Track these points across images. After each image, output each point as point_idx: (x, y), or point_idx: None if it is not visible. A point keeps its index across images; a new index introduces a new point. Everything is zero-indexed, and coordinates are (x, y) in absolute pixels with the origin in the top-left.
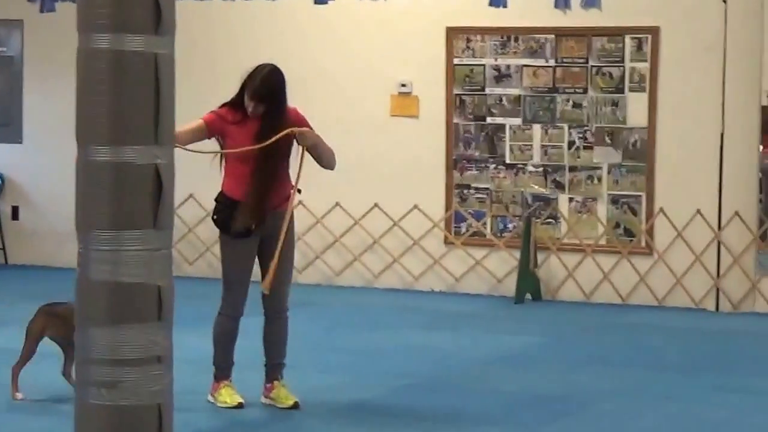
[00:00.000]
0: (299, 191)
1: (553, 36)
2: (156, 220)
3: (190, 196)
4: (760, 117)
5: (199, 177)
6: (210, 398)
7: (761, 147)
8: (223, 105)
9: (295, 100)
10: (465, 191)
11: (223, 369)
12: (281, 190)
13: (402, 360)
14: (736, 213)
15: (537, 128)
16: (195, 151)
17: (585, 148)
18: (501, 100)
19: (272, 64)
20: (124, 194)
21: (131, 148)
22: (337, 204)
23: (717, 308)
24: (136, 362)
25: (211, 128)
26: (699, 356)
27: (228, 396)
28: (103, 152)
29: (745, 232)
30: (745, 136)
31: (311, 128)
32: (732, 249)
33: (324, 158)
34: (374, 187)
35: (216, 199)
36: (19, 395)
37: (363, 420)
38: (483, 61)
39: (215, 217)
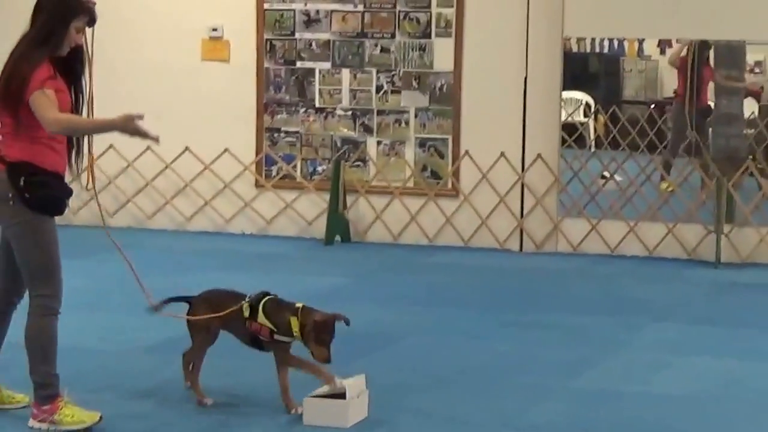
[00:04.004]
0: None
1: None
2: None
3: None
4: (562, 62)
5: None
6: (42, 425)
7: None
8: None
9: (104, 42)
10: (275, 135)
11: (58, 382)
12: None
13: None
14: (539, 155)
15: (346, 72)
16: None
17: (393, 92)
18: (310, 45)
19: None
20: None
21: None
22: (148, 147)
23: (521, 248)
24: None
25: None
26: (501, 294)
27: (79, 413)
28: None
29: (548, 174)
30: (547, 81)
31: None
32: (535, 191)
33: None
34: (185, 130)
35: (26, 173)
36: (208, 400)
37: (172, 357)
38: (293, 6)
39: (35, 194)
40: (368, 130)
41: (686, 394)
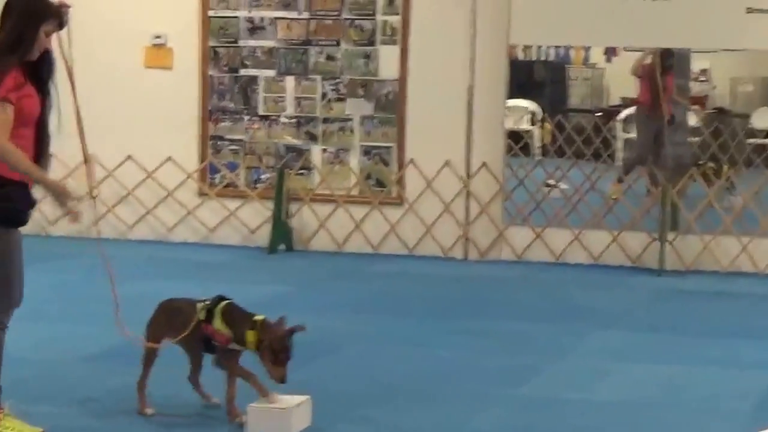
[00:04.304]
0: None
1: None
2: None
3: None
4: (508, 70)
5: None
6: None
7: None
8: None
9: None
10: (219, 142)
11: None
12: None
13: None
14: (484, 164)
15: (290, 80)
16: None
17: (338, 99)
18: (255, 52)
19: None
20: None
21: None
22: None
23: (465, 256)
24: None
25: None
26: (446, 302)
27: (20, 426)
28: None
29: (493, 182)
30: (493, 89)
31: None
32: (480, 199)
33: None
34: (128, 138)
35: None
36: (149, 410)
37: (112, 366)
38: (237, 13)
39: (5, 206)
40: (313, 137)
41: (629, 401)
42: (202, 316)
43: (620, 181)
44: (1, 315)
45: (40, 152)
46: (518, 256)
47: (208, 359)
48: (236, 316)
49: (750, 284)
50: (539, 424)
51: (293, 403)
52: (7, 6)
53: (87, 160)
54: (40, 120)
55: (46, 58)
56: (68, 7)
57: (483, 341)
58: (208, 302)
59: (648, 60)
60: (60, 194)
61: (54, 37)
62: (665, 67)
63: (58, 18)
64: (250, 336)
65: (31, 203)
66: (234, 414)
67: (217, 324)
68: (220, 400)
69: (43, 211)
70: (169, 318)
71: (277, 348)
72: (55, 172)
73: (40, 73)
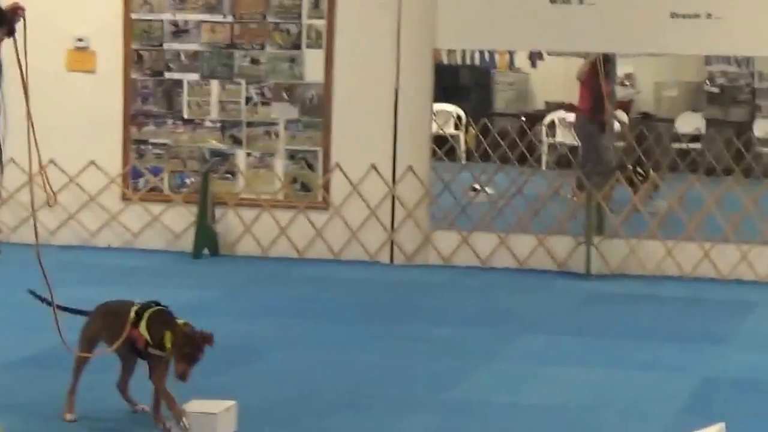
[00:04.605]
0: None
1: None
2: None
3: None
4: (433, 74)
5: None
6: None
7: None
8: None
9: None
10: (142, 147)
11: None
12: None
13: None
14: (410, 168)
15: (215, 84)
16: None
17: (263, 103)
18: (179, 56)
19: None
20: None
21: None
22: (11, 160)
23: (391, 261)
24: None
25: None
26: (372, 307)
27: None
28: None
29: (419, 187)
30: (418, 93)
31: None
32: (406, 203)
33: None
34: (50, 142)
35: None
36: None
37: (39, 372)
38: (161, 16)
39: None
40: (237, 142)
41: (556, 404)
42: (132, 319)
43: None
44: None
45: None
46: (445, 261)
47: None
48: (160, 321)
49: (675, 288)
50: (467, 427)
51: (220, 408)
52: None
53: (41, 167)
54: None
55: None
56: (23, 10)
57: (410, 345)
58: (138, 306)
59: (589, 66)
60: None
61: (4, 43)
62: (605, 73)
63: (9, 25)
64: (167, 337)
65: None
66: (160, 420)
67: (141, 328)
68: (148, 407)
69: None
70: (106, 321)
71: (182, 343)
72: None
73: None
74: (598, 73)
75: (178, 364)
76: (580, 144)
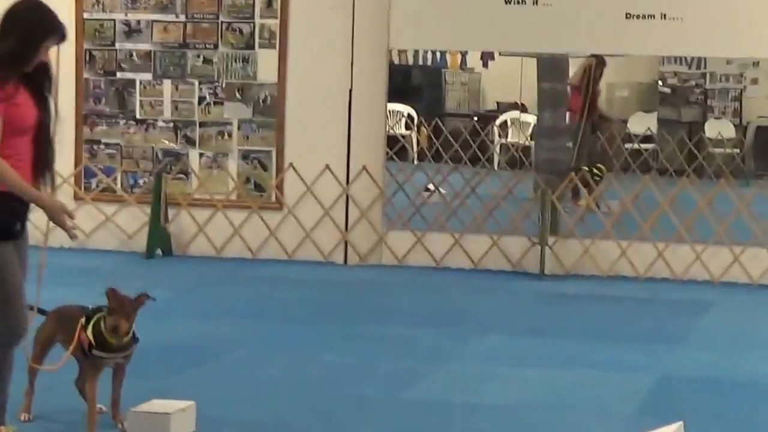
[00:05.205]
0: None
1: None
2: None
3: None
4: (387, 74)
5: None
6: None
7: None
8: None
9: None
10: (95, 147)
11: (3, 411)
12: None
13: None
14: (364, 168)
15: (167, 84)
16: None
17: (215, 103)
18: (131, 56)
19: None
20: None
21: None
22: None
23: (345, 261)
24: None
25: None
26: (326, 307)
27: None
28: None
29: (373, 187)
30: (372, 93)
31: None
32: (360, 203)
33: None
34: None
35: None
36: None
37: None
38: (113, 16)
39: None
40: (190, 142)
41: (513, 404)
42: (83, 321)
43: (575, 194)
44: (10, 331)
45: (42, 164)
46: (399, 261)
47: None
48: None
49: (630, 288)
50: (425, 427)
51: (175, 408)
52: (10, 16)
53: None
54: (40, 130)
55: (43, 69)
56: None
57: (366, 345)
58: (89, 310)
59: (583, 69)
60: (55, 211)
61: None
62: (596, 76)
63: (61, 33)
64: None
65: (20, 214)
66: (118, 419)
67: (88, 331)
68: (106, 407)
69: None
70: (59, 326)
71: (112, 299)
72: None
73: (38, 83)
74: (591, 76)
75: (109, 318)
76: (571, 145)
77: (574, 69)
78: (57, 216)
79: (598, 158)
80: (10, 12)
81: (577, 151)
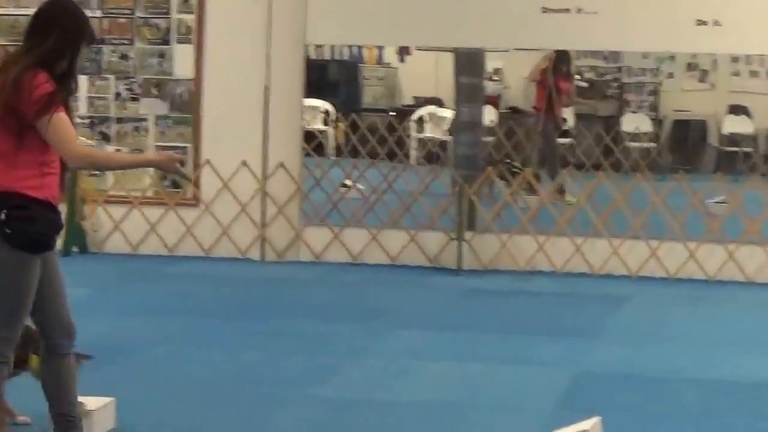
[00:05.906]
0: None
1: None
2: None
3: None
4: (304, 69)
5: None
6: None
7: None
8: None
9: None
10: None
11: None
12: None
13: None
14: (281, 164)
15: (83, 79)
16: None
17: (132, 99)
18: None
19: None
20: None
21: None
22: None
23: (262, 257)
24: None
25: None
26: (243, 304)
27: None
28: None
29: (290, 183)
30: (289, 89)
31: None
32: (277, 199)
33: None
34: None
35: (11, 205)
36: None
37: None
38: (28, 11)
39: (18, 231)
40: (106, 138)
41: (429, 401)
42: None
43: (561, 191)
44: (5, 349)
45: (64, 170)
46: (316, 257)
47: None
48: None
49: (547, 283)
50: (340, 424)
51: (97, 405)
52: (48, 19)
53: None
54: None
55: (71, 72)
56: None
57: (282, 342)
58: None
59: (543, 65)
60: (169, 163)
61: None
62: (560, 72)
63: (92, 36)
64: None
65: (58, 226)
66: (13, 414)
67: None
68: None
69: None
70: None
71: None
72: None
73: (65, 86)
74: (551, 72)
75: None
76: (545, 145)
77: (490, 63)
78: (171, 167)
79: (516, 153)
80: (48, 15)
81: (541, 150)
